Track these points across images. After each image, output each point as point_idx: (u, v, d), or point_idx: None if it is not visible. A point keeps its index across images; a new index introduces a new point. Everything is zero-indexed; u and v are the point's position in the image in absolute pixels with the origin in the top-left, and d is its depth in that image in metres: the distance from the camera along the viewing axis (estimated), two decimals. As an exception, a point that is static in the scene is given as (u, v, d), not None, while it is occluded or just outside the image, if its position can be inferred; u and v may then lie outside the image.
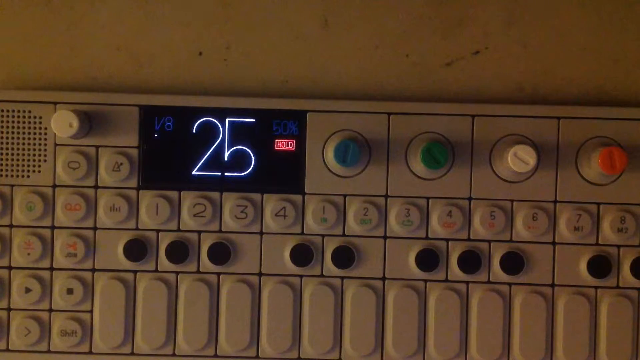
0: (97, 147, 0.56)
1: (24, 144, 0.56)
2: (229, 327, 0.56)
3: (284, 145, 0.56)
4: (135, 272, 0.56)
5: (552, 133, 0.56)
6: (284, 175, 0.56)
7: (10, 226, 0.56)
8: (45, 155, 0.56)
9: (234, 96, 0.57)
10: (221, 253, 0.56)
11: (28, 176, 0.56)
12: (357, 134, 0.56)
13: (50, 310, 0.56)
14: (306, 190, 0.56)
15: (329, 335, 0.56)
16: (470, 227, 0.56)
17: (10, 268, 0.56)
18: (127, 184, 0.56)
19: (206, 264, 0.56)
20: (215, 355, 0.56)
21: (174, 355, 0.56)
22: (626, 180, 0.56)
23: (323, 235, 0.56)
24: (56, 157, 0.56)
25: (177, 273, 0.56)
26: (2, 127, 0.56)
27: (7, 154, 0.56)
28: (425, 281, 0.56)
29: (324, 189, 0.56)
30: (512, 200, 0.56)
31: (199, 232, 0.56)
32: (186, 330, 0.56)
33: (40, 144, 0.56)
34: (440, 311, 0.56)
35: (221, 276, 0.56)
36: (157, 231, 0.56)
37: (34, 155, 0.56)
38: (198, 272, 0.56)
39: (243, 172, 0.56)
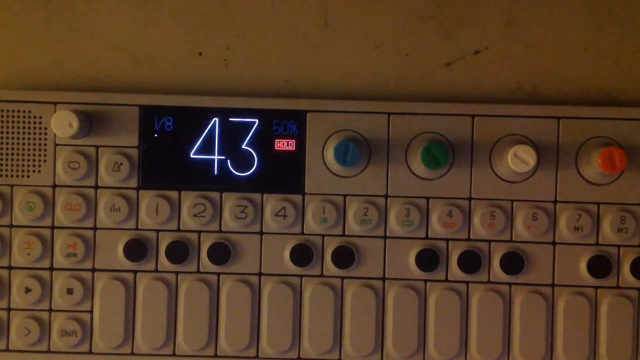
0: (97, 147, 0.56)
1: (24, 144, 0.56)
2: (229, 327, 0.56)
3: (284, 145, 0.56)
4: (135, 272, 0.56)
5: (552, 133, 0.56)
6: (284, 175, 0.56)
7: (10, 226, 0.56)
8: (45, 155, 0.56)
9: (234, 96, 0.57)
10: (221, 253, 0.56)
11: (28, 176, 0.56)
12: (357, 134, 0.56)
13: (50, 310, 0.56)
14: (306, 190, 0.56)
15: (329, 335, 0.56)
16: (470, 227, 0.56)
17: (10, 268, 0.56)
18: (127, 184, 0.56)
19: (206, 264, 0.56)
20: (215, 355, 0.56)
21: (174, 355, 0.56)
22: (626, 180, 0.56)
23: (323, 235, 0.56)
24: (56, 157, 0.56)
25: (177, 273, 0.56)
26: (2, 127, 0.56)
27: (7, 154, 0.56)
28: (425, 281, 0.56)
29: (324, 189, 0.56)
30: (512, 200, 0.56)
31: (199, 232, 0.56)
32: (186, 330, 0.56)
33: (40, 144, 0.56)
34: (440, 311, 0.56)
35: (221, 276, 0.56)
36: (157, 231, 0.56)
37: (34, 155, 0.56)
38: (198, 272, 0.56)
39: (243, 172, 0.56)
